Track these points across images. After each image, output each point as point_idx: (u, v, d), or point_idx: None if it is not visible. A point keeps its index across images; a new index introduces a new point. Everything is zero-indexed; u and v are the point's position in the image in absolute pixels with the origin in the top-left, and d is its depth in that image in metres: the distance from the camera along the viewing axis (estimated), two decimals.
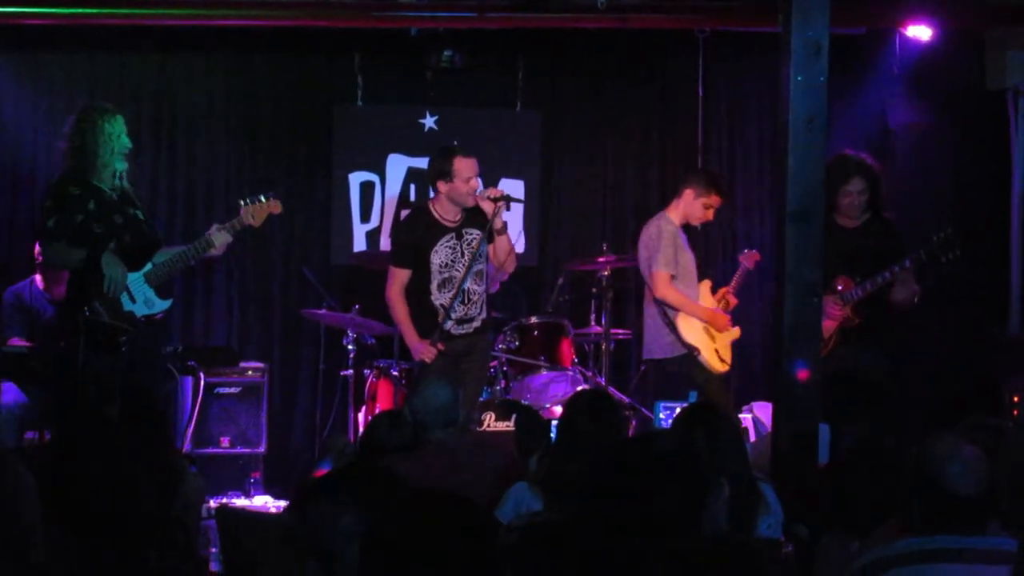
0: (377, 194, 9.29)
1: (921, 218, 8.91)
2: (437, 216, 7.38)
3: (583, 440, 4.80)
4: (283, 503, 7.82)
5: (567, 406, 5.23)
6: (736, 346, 8.18)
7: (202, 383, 8.15)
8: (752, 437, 7.74)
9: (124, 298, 6.74)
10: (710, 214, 8.09)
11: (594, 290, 8.54)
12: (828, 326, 7.36)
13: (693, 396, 7.67)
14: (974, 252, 8.33)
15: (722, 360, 8.01)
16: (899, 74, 9.32)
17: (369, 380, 8.29)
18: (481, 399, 7.76)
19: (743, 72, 9.45)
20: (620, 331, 8.83)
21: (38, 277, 7.91)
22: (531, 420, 6.92)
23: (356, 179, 9.27)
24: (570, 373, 8.26)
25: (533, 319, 8.42)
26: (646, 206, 9.44)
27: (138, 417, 4.83)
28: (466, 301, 7.36)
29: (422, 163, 9.14)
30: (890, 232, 7.77)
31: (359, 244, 9.24)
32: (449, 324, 7.31)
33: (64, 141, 6.87)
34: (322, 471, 5.22)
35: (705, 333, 7.95)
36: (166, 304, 6.94)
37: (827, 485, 4.89)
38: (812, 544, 4.43)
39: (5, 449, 2.75)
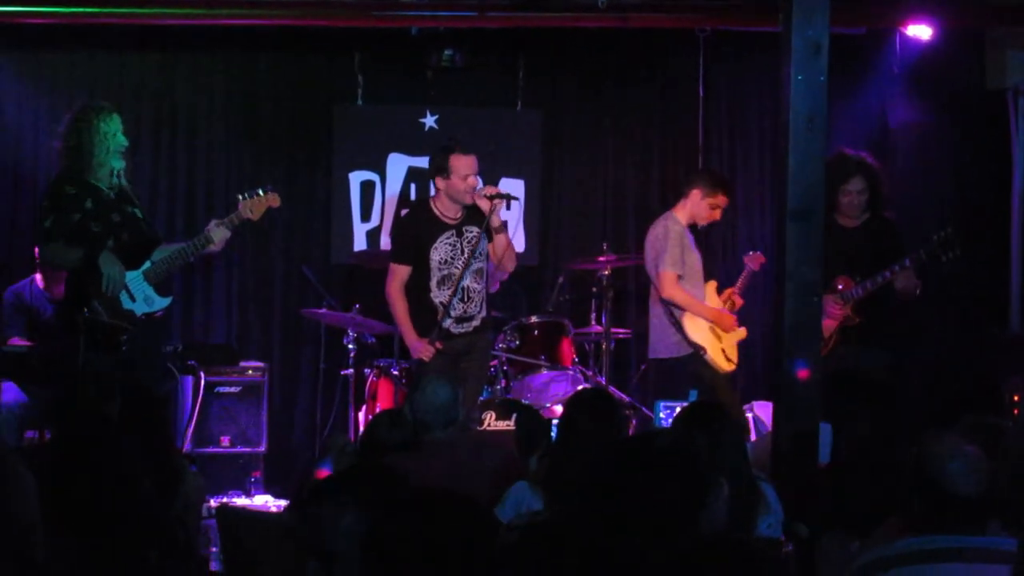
0: (377, 193, 9.29)
1: (921, 218, 8.91)
2: (438, 213, 7.38)
3: (584, 439, 4.79)
4: (283, 502, 7.82)
5: (567, 405, 5.23)
6: (738, 345, 8.18)
7: (202, 382, 8.15)
8: (752, 436, 7.75)
9: (123, 297, 6.74)
10: (717, 214, 8.09)
11: (594, 289, 8.55)
12: (828, 325, 7.37)
13: (693, 395, 7.67)
14: (974, 252, 8.34)
15: (728, 359, 8.01)
16: (899, 74, 9.33)
17: (369, 379, 8.29)
18: (481, 398, 7.76)
19: (743, 71, 9.45)
20: (620, 330, 8.84)
21: (38, 277, 7.91)
22: (531, 419, 6.92)
23: (356, 178, 9.27)
24: (570, 372, 8.26)
25: (533, 318, 8.42)
26: (647, 206, 9.45)
27: (138, 417, 4.83)
28: (465, 299, 7.35)
29: (422, 162, 9.13)
30: (890, 231, 7.77)
31: (359, 243, 9.24)
32: (448, 322, 7.30)
33: (60, 140, 6.86)
34: (323, 470, 5.22)
35: (711, 333, 7.95)
36: (166, 302, 6.94)
37: (827, 485, 4.90)
38: (812, 544, 4.43)
39: (5, 449, 2.75)
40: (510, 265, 7.52)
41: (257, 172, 9.00)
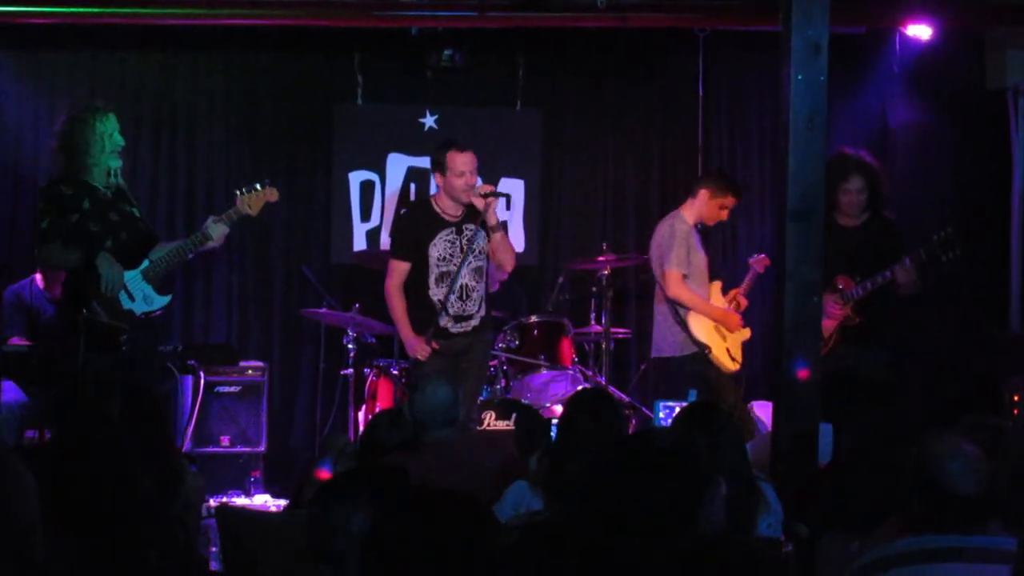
0: (377, 193, 9.29)
1: (921, 217, 8.91)
2: (438, 210, 7.37)
3: (583, 439, 4.79)
4: (283, 502, 7.82)
5: (567, 405, 5.23)
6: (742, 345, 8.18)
7: (202, 382, 8.15)
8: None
9: (122, 296, 6.74)
10: (725, 214, 8.10)
11: (594, 289, 8.55)
12: (828, 325, 7.38)
13: (693, 395, 7.67)
14: (974, 251, 8.34)
15: (733, 359, 8.01)
16: (899, 73, 9.33)
17: (369, 379, 8.29)
18: (481, 398, 7.76)
19: (743, 71, 9.45)
20: (620, 330, 8.84)
21: (38, 276, 7.90)
22: (531, 419, 6.91)
23: (356, 178, 9.27)
24: (570, 372, 8.26)
25: (533, 318, 8.42)
26: (646, 205, 9.45)
27: (138, 416, 4.83)
28: (464, 297, 7.34)
29: (422, 162, 9.15)
30: (890, 231, 7.78)
31: (359, 243, 9.24)
32: (445, 319, 7.29)
33: (56, 140, 6.85)
34: (322, 470, 5.22)
35: (716, 332, 7.95)
36: (165, 300, 6.93)
37: (827, 485, 4.90)
38: (812, 544, 4.43)
39: (5, 449, 2.75)
40: (509, 264, 7.50)
41: (257, 172, 8.96)
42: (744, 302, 8.21)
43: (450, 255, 7.31)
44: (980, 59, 9.21)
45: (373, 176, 9.28)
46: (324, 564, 3.04)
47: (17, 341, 7.70)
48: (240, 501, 8.05)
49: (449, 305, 7.28)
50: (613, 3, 8.15)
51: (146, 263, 6.84)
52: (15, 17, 8.27)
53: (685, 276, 7.85)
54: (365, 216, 9.27)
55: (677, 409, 6.43)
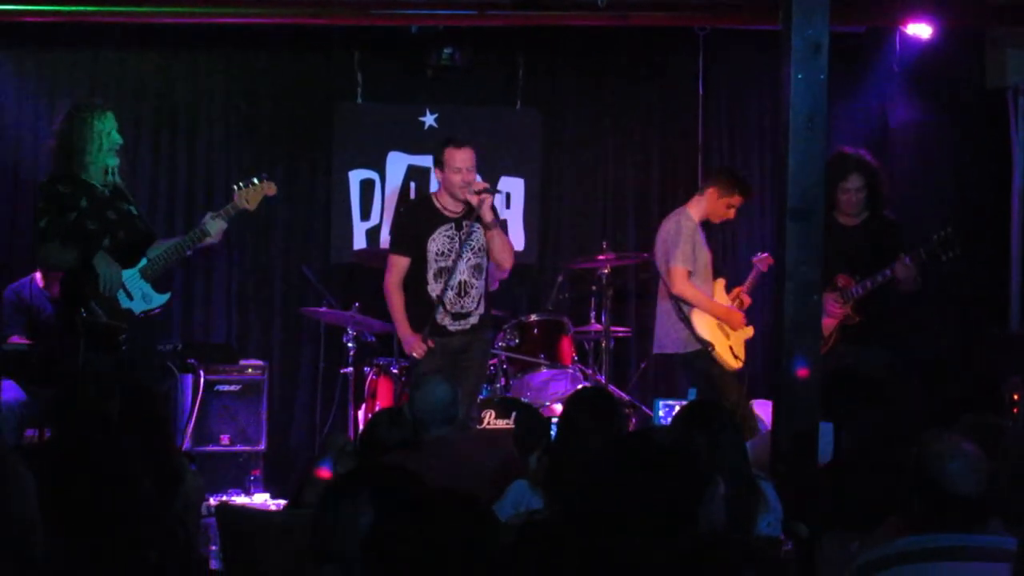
0: (377, 192, 9.29)
1: (921, 217, 8.90)
2: (438, 206, 7.37)
3: (583, 438, 4.79)
4: (283, 501, 7.82)
5: (567, 404, 5.23)
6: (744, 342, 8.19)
7: (202, 381, 8.14)
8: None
9: (121, 295, 6.72)
10: (732, 213, 8.10)
11: (594, 288, 8.55)
12: (828, 324, 7.38)
13: (692, 393, 7.68)
14: (974, 251, 8.34)
15: (736, 357, 8.01)
16: (899, 72, 9.33)
17: (369, 378, 8.30)
18: (481, 397, 7.76)
19: (743, 70, 9.45)
20: (620, 329, 8.84)
21: (38, 275, 7.89)
22: (531, 418, 6.92)
23: (356, 177, 9.27)
24: (570, 371, 8.26)
25: (533, 317, 8.43)
26: (646, 204, 9.46)
27: (138, 416, 4.83)
28: (462, 293, 7.33)
29: (422, 161, 9.15)
30: (890, 230, 7.78)
31: (359, 242, 9.24)
32: (442, 315, 7.29)
33: (54, 139, 6.84)
34: (322, 469, 5.22)
35: (720, 330, 7.95)
36: (164, 298, 6.92)
37: (827, 484, 4.90)
38: (812, 543, 4.43)
39: (5, 448, 2.75)
40: (506, 262, 7.47)
41: (257, 170, 8.97)
42: (747, 300, 8.21)
43: (449, 250, 7.30)
44: (980, 58, 9.21)
45: (373, 175, 9.28)
46: (329, 565, 3.04)
47: (17, 340, 7.70)
48: (240, 500, 8.05)
49: (447, 301, 7.27)
50: (613, 2, 8.15)
51: (144, 261, 6.83)
52: (15, 16, 8.27)
53: (690, 273, 7.85)
54: (365, 215, 9.27)
55: (677, 408, 6.44)
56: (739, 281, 8.31)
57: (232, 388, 8.37)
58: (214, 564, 5.67)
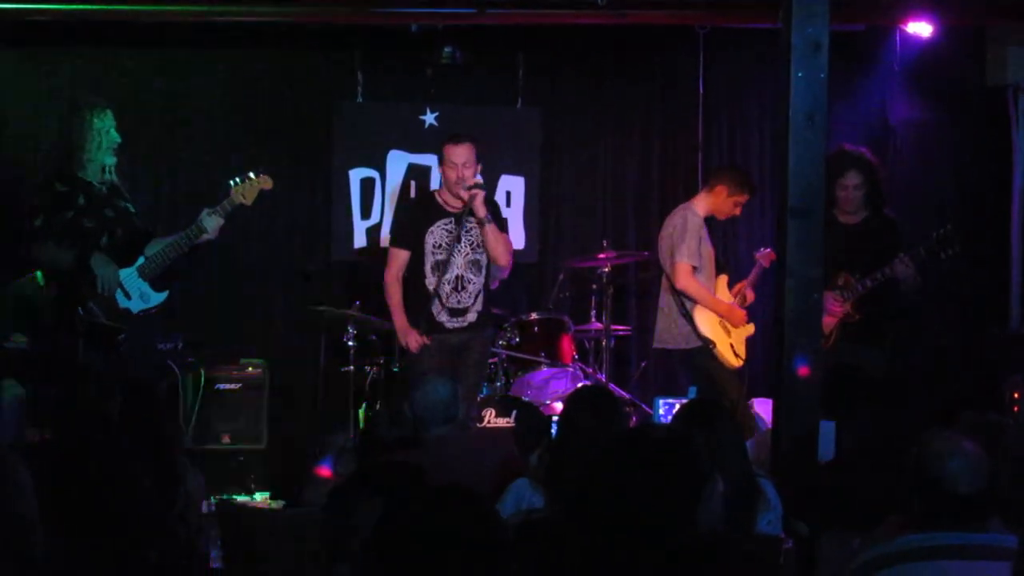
0: (378, 190, 9.29)
1: (921, 215, 8.91)
2: (440, 201, 7.39)
3: (584, 436, 4.79)
4: (284, 500, 7.82)
5: (568, 402, 5.23)
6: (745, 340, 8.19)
7: (203, 379, 8.14)
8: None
9: (119, 295, 6.71)
10: (738, 210, 8.11)
11: (594, 286, 8.56)
12: (829, 322, 7.38)
13: (692, 392, 7.68)
14: (974, 249, 8.34)
15: (737, 355, 8.01)
16: (899, 71, 9.33)
17: (370, 376, 8.29)
18: (482, 395, 7.76)
19: (743, 69, 9.45)
20: (620, 327, 8.84)
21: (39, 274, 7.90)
22: (531, 416, 6.93)
23: (357, 175, 9.27)
24: (570, 369, 8.26)
25: (533, 315, 8.43)
26: (646, 203, 9.46)
27: (139, 415, 4.83)
28: (459, 288, 7.33)
29: (422, 159, 9.16)
30: (891, 229, 7.78)
31: (359, 240, 9.24)
32: (438, 309, 7.29)
33: (50, 136, 6.82)
34: (323, 468, 5.23)
35: (721, 327, 7.95)
36: (162, 297, 6.91)
37: (828, 482, 4.90)
38: (812, 541, 4.44)
39: (4, 448, 2.75)
40: (503, 259, 7.43)
41: (257, 169, 8.99)
42: (751, 295, 8.21)
43: (446, 244, 7.31)
44: (980, 56, 9.22)
45: (373, 173, 9.28)
46: (341, 564, 3.04)
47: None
48: (241, 499, 8.04)
49: (443, 294, 7.28)
50: (613, 1, 8.15)
51: (142, 260, 6.81)
52: (15, 15, 8.27)
53: (695, 269, 7.86)
54: (366, 213, 9.27)
55: (677, 406, 6.44)
56: (739, 279, 8.31)
57: (233, 387, 8.37)
58: (215, 563, 5.67)
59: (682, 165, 9.50)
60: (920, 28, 8.73)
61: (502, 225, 7.48)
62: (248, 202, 7.02)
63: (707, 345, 7.86)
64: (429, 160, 9.16)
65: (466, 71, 9.17)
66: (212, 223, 6.86)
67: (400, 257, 7.38)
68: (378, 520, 2.68)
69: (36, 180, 6.81)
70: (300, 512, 5.05)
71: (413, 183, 9.25)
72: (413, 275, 7.35)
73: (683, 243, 7.82)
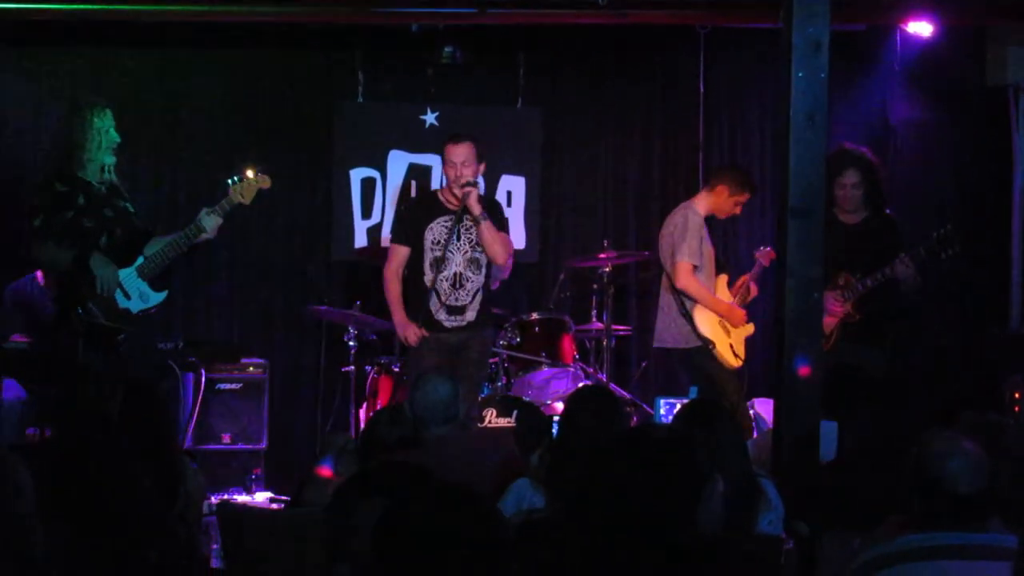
0: (378, 190, 9.29)
1: (921, 215, 8.91)
2: (442, 199, 7.41)
3: (584, 436, 4.79)
4: (284, 499, 7.82)
5: (568, 402, 5.23)
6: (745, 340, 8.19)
7: (203, 379, 8.13)
8: (754, 433, 7.75)
9: (118, 295, 6.70)
10: (738, 209, 8.13)
11: (595, 286, 8.56)
12: (829, 322, 7.37)
13: (694, 392, 7.68)
14: (974, 249, 8.34)
15: (736, 355, 8.01)
16: (900, 70, 9.33)
17: (370, 376, 8.30)
18: (482, 395, 7.76)
19: (744, 68, 9.45)
20: (621, 327, 8.84)
21: (39, 273, 7.90)
22: (532, 416, 6.93)
23: (357, 175, 9.27)
24: (571, 369, 8.26)
25: (534, 315, 8.43)
26: (647, 203, 9.46)
27: (139, 415, 4.83)
28: (457, 285, 7.35)
29: (423, 159, 9.16)
30: (891, 228, 7.78)
31: (360, 240, 9.24)
32: (436, 305, 7.30)
33: (51, 135, 6.80)
34: (323, 468, 5.22)
35: (721, 327, 7.95)
36: (161, 297, 6.89)
37: (828, 482, 4.90)
38: (813, 541, 4.44)
39: (3, 448, 2.75)
40: (499, 257, 7.42)
41: (262, 170, 8.99)
42: (755, 289, 8.21)
43: (445, 240, 7.33)
44: (981, 56, 9.22)
45: (374, 173, 9.28)
46: (342, 564, 3.04)
47: (18, 338, 7.71)
48: (241, 499, 8.05)
49: (440, 290, 7.29)
50: (614, 0, 8.15)
51: (141, 260, 6.80)
52: (15, 14, 8.27)
53: (696, 268, 7.86)
54: (366, 213, 9.27)
55: (678, 406, 6.44)
56: (740, 277, 8.31)
57: (233, 387, 8.37)
58: (215, 563, 5.67)
59: (683, 165, 9.50)
60: (920, 28, 8.73)
61: (502, 224, 7.49)
62: (246, 201, 7.00)
63: (706, 345, 7.86)
64: (430, 160, 9.17)
65: (467, 71, 9.18)
66: (211, 222, 6.84)
67: (400, 253, 7.41)
68: (379, 520, 2.68)
69: (36, 180, 6.78)
70: (300, 512, 5.04)
71: (414, 183, 9.25)
72: (413, 272, 7.37)
73: (684, 242, 7.83)
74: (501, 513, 2.69)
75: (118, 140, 6.86)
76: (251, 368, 8.45)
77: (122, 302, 6.71)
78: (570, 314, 8.59)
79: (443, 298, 7.32)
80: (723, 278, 8.20)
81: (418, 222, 7.40)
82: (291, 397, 9.14)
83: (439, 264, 7.29)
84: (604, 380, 8.16)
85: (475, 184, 7.29)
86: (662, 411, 7.71)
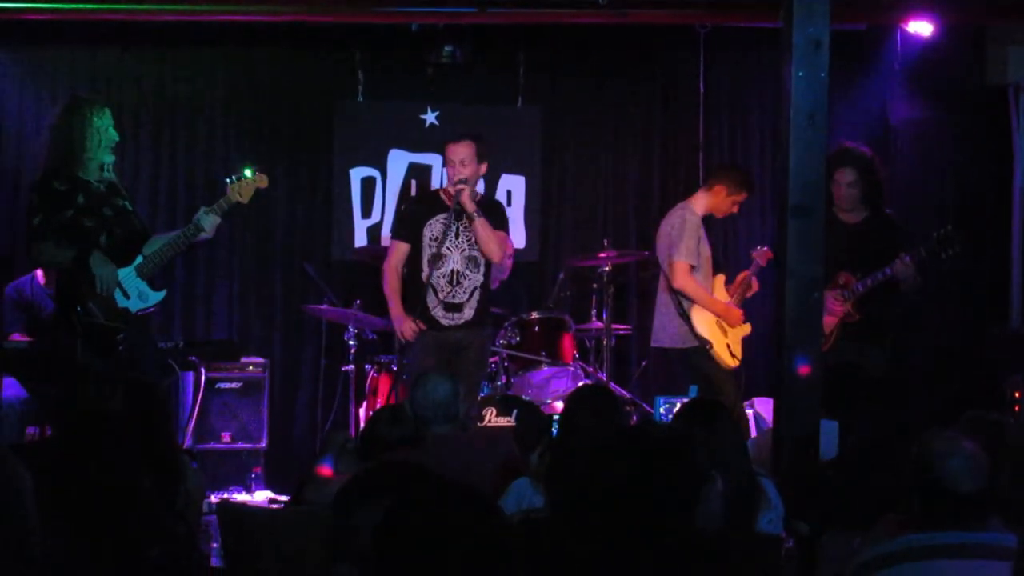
0: (378, 189, 9.29)
1: (922, 214, 8.91)
2: (443, 198, 7.43)
3: (584, 435, 4.79)
4: (284, 498, 7.82)
5: (568, 401, 5.24)
6: (742, 342, 8.18)
7: (203, 378, 8.12)
8: (754, 432, 7.76)
9: (118, 294, 6.69)
10: (736, 209, 8.14)
11: (595, 285, 8.56)
12: (829, 321, 7.37)
13: (693, 391, 7.68)
14: (975, 248, 8.34)
15: (733, 356, 8.02)
16: (900, 70, 9.33)
17: (370, 375, 8.30)
18: (482, 395, 7.76)
19: (744, 68, 9.45)
20: (621, 326, 8.85)
21: (39, 272, 7.90)
22: (532, 416, 6.92)
23: (357, 174, 9.27)
24: (571, 368, 8.26)
25: (534, 314, 8.43)
26: (647, 202, 9.46)
27: (139, 414, 4.83)
28: (454, 282, 7.37)
29: (423, 158, 9.16)
30: (891, 228, 7.78)
31: (360, 239, 9.24)
32: (433, 302, 7.32)
33: (49, 133, 6.77)
34: (323, 467, 5.22)
35: (718, 327, 7.96)
36: (160, 296, 6.88)
37: (829, 481, 4.90)
38: (813, 540, 4.44)
39: (3, 448, 2.75)
40: (494, 256, 7.43)
41: (258, 168, 8.98)
42: (756, 284, 8.21)
43: (443, 236, 7.35)
44: (981, 55, 9.22)
45: (374, 172, 9.28)
46: (343, 564, 3.03)
47: (18, 337, 7.71)
48: (241, 497, 8.05)
49: (437, 287, 7.31)
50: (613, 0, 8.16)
51: (140, 259, 6.78)
52: (15, 13, 8.27)
53: (693, 267, 7.86)
54: (366, 212, 9.27)
55: (678, 405, 6.44)
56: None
57: (233, 385, 8.37)
58: (215, 562, 5.67)
59: (683, 164, 9.50)
60: (921, 28, 8.73)
61: (500, 224, 7.51)
62: (244, 200, 6.98)
63: (703, 345, 7.87)
64: (430, 159, 9.17)
65: (467, 70, 9.18)
66: (209, 222, 6.83)
67: (400, 249, 7.46)
68: (382, 519, 2.68)
69: (35, 179, 6.76)
70: (300, 512, 5.04)
71: (414, 182, 9.25)
72: (413, 269, 7.41)
73: (681, 242, 7.84)
74: (503, 512, 2.68)
75: (117, 139, 6.85)
76: (251, 367, 8.45)
77: (121, 301, 6.70)
78: (570, 313, 8.58)
79: (440, 295, 7.35)
80: (720, 278, 8.20)
81: (418, 219, 7.45)
82: (291, 396, 9.14)
83: (436, 261, 7.32)
84: (604, 379, 8.17)
85: (467, 182, 7.31)
86: (662, 410, 7.71)
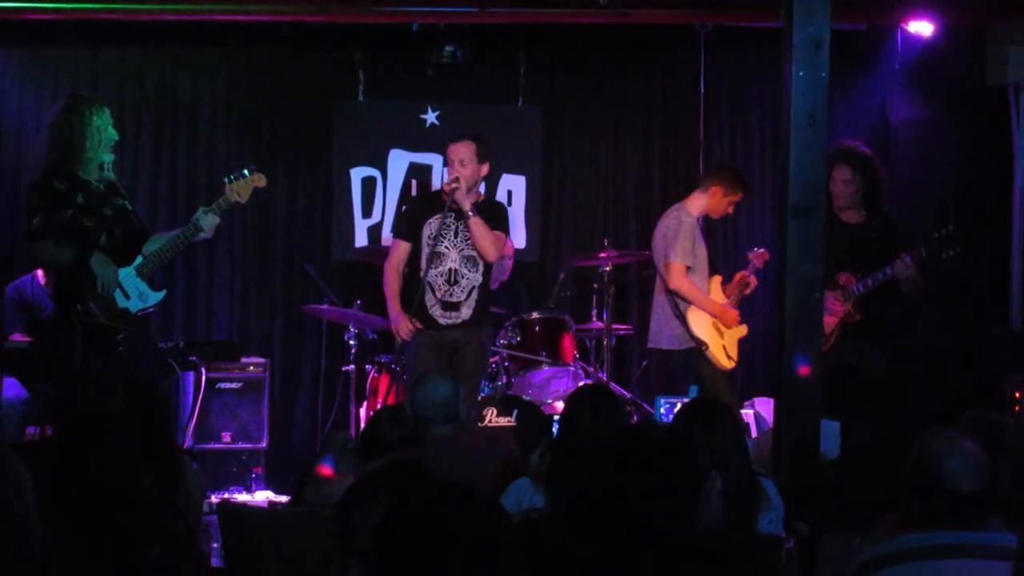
0: (379, 189, 9.29)
1: (922, 214, 8.91)
2: (445, 198, 7.43)
3: (584, 436, 4.79)
4: (284, 498, 7.82)
5: (569, 401, 5.23)
6: (739, 343, 8.18)
7: (203, 378, 8.12)
8: (754, 433, 7.75)
9: (118, 294, 6.69)
10: (732, 209, 8.14)
11: (595, 285, 8.56)
12: (830, 322, 7.38)
13: (694, 391, 7.68)
14: (975, 249, 8.34)
15: (729, 357, 8.02)
16: (900, 70, 9.33)
17: (370, 375, 8.30)
18: (482, 395, 7.76)
19: (744, 68, 9.45)
20: (621, 326, 8.85)
21: (40, 272, 7.90)
22: (532, 416, 6.92)
23: (358, 174, 9.27)
24: (571, 368, 8.26)
25: (534, 314, 8.43)
26: (647, 202, 9.46)
27: (139, 414, 4.83)
28: (452, 281, 7.38)
29: (423, 158, 9.16)
30: (892, 228, 7.78)
31: (360, 239, 9.24)
32: (431, 301, 7.34)
33: (48, 133, 6.75)
34: (323, 466, 5.23)
35: (714, 328, 7.96)
36: (160, 296, 6.87)
37: (829, 481, 4.90)
38: (813, 541, 4.44)
39: (3, 447, 2.75)
40: (489, 254, 7.42)
41: (258, 168, 8.98)
42: (754, 281, 8.20)
43: (442, 235, 7.36)
44: (981, 55, 9.22)
45: (375, 172, 9.28)
46: (356, 563, 3.04)
47: (18, 337, 7.70)
48: (241, 497, 8.05)
49: (435, 285, 7.32)
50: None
51: (140, 259, 6.78)
52: (16, 13, 8.27)
53: (689, 268, 7.87)
54: (367, 212, 9.28)
55: (678, 405, 6.44)
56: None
57: (234, 385, 8.37)
58: (215, 562, 5.67)
59: (683, 164, 9.50)
60: (921, 27, 8.73)
61: (499, 224, 7.51)
62: (243, 200, 6.96)
63: (700, 347, 7.87)
64: (430, 159, 9.18)
65: (467, 70, 9.18)
66: (208, 221, 6.81)
67: (401, 248, 7.48)
68: (383, 518, 2.68)
69: (34, 178, 6.75)
70: (300, 512, 5.04)
71: (414, 182, 9.25)
72: (413, 268, 7.43)
73: (676, 243, 7.84)
74: (504, 512, 2.68)
75: (116, 138, 6.85)
76: (251, 367, 8.45)
77: (121, 301, 6.69)
78: (570, 313, 8.59)
79: (438, 293, 7.36)
80: (717, 279, 8.21)
81: (418, 218, 7.48)
82: (291, 396, 9.14)
83: (433, 259, 7.33)
84: (604, 379, 8.17)
85: (459, 180, 7.33)
86: (662, 410, 7.70)
